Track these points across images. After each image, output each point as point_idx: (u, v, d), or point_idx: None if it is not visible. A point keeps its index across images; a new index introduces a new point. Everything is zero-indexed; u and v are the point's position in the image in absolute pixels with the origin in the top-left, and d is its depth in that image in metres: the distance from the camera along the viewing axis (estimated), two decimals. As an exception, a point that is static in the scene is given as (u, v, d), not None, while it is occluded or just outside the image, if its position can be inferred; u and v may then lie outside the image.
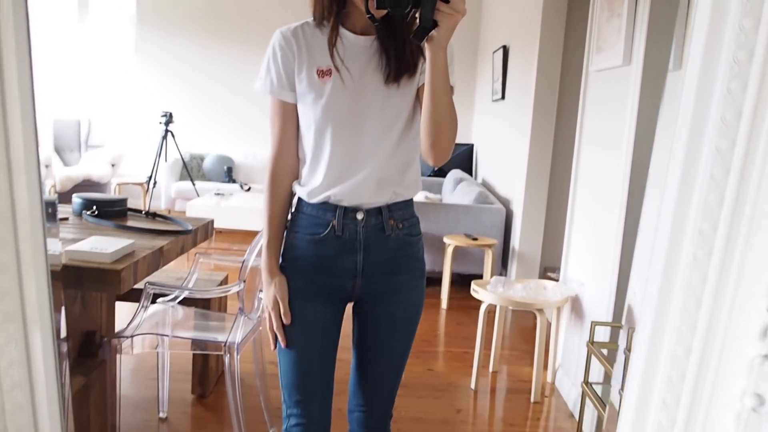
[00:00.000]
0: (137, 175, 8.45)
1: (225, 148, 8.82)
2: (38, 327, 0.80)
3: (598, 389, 1.90)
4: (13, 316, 0.79)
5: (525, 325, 4.93)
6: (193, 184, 7.87)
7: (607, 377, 2.11)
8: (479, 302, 3.77)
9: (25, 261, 0.78)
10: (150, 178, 7.75)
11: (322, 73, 1.66)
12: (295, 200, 1.78)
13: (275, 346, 1.77)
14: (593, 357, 1.86)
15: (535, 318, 4.97)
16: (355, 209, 1.69)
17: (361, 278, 1.73)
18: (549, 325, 4.14)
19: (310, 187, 1.70)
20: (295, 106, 1.72)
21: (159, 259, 2.39)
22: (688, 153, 0.86)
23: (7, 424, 0.87)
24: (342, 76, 1.66)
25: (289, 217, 1.79)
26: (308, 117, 1.69)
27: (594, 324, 1.86)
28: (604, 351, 2.78)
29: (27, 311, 0.79)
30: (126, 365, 3.60)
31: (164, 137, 7.80)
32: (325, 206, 1.70)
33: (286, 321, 1.72)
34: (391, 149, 1.69)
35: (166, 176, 8.10)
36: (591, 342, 1.84)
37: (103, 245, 2.24)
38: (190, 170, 8.27)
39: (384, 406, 1.89)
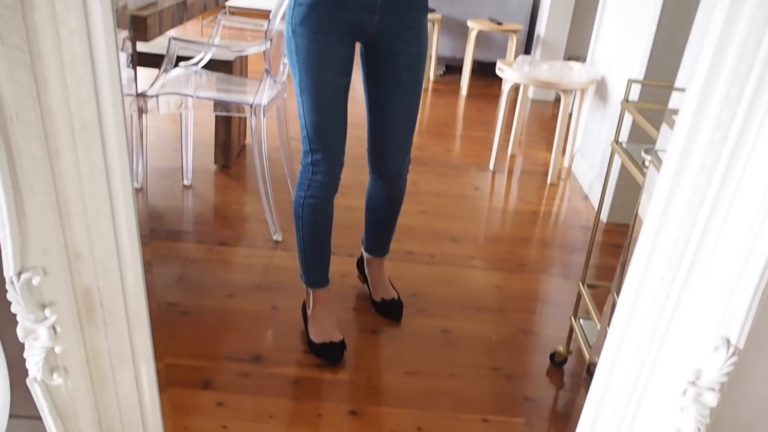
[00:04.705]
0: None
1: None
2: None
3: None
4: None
5: (543, 113, 4.93)
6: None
7: (637, 138, 2.12)
8: (500, 90, 3.74)
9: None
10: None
11: None
12: None
13: None
14: (626, 114, 1.85)
15: (553, 108, 4.98)
16: None
17: (379, 14, 1.81)
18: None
19: None
20: None
21: (183, 12, 2.35)
22: None
23: (69, 98, 0.89)
24: None
25: None
26: None
27: (630, 82, 1.84)
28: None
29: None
30: (149, 137, 3.65)
31: None
32: None
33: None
34: None
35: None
36: (626, 100, 1.83)
37: (126, -4, 2.19)
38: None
39: (401, 151, 2.08)
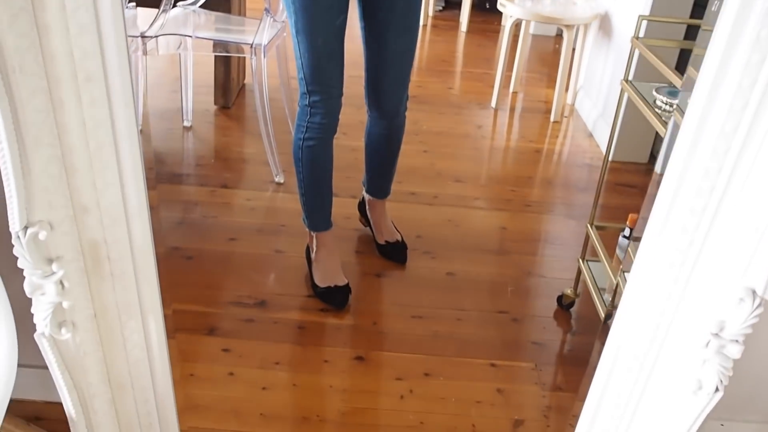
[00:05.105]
0: None
1: None
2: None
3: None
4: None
5: (544, 49, 4.84)
6: None
7: (642, 75, 2.07)
8: (499, 25, 3.65)
9: None
10: None
11: None
12: None
13: None
14: (636, 52, 1.80)
15: (555, 42, 4.88)
16: None
17: None
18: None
19: None
20: None
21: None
22: None
23: (72, 48, 0.84)
24: None
25: None
26: None
27: (641, 18, 1.79)
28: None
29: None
30: (148, 78, 3.58)
31: None
32: None
33: None
34: None
35: None
36: (636, 37, 1.78)
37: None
38: None
39: (400, 87, 2.04)
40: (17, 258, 0.95)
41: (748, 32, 0.86)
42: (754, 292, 0.93)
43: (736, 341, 0.96)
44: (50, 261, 0.95)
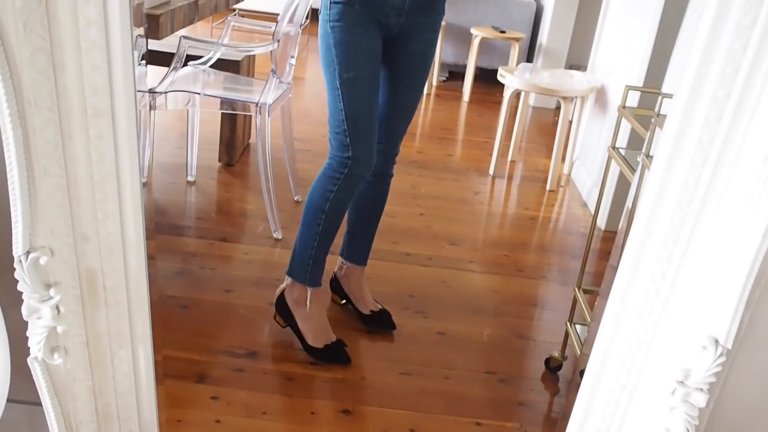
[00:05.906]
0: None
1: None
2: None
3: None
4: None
5: (544, 120, 4.96)
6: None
7: (636, 144, 2.15)
8: (501, 98, 3.76)
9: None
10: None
11: None
12: None
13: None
14: (623, 122, 1.88)
15: (554, 115, 5.01)
16: None
17: (405, 16, 1.93)
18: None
19: None
20: None
21: (194, 12, 2.38)
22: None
23: (84, 85, 0.91)
24: None
25: None
26: None
27: (627, 88, 1.87)
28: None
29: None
30: (156, 133, 3.67)
31: None
32: None
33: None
34: None
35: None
36: (623, 107, 1.86)
37: (138, -7, 2.22)
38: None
39: (399, 134, 2.15)
40: (15, 292, 1.00)
41: (705, 92, 0.93)
42: (716, 341, 0.97)
43: (701, 390, 1.00)
44: (48, 286, 1.01)
